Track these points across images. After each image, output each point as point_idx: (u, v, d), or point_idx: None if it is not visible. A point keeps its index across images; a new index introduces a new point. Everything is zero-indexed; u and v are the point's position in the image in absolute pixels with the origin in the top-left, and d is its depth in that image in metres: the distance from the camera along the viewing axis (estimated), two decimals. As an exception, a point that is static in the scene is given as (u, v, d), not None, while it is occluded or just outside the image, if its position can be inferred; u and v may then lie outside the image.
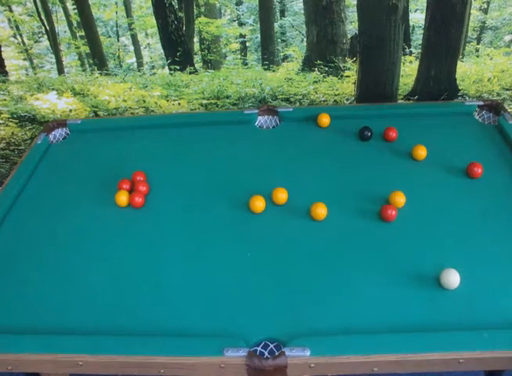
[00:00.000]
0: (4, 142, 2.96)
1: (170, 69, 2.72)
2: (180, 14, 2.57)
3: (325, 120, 2.01)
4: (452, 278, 1.29)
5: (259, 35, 2.65)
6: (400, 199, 1.58)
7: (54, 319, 1.32)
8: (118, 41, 2.70)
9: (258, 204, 1.61)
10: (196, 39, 2.66)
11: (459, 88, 2.64)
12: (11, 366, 1.21)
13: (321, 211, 1.57)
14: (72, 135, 2.15)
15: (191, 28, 2.62)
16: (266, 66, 2.70)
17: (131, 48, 2.73)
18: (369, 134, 1.90)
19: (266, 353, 1.16)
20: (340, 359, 1.13)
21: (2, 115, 2.87)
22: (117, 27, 2.65)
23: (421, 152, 1.78)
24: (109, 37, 2.68)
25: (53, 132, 2.13)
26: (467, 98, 2.66)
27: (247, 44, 2.68)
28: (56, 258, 1.52)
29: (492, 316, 1.22)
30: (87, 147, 2.05)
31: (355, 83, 2.67)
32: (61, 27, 2.65)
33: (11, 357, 1.20)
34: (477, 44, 2.58)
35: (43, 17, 2.62)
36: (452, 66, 2.57)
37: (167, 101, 2.79)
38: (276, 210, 1.63)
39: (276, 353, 1.15)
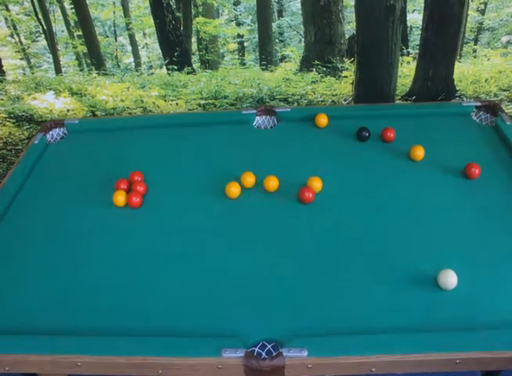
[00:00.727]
0: (1, 141, 2.95)
1: (168, 69, 2.72)
2: (178, 14, 2.57)
3: (323, 120, 2.01)
4: (450, 279, 1.29)
5: (257, 35, 2.65)
6: (317, 184, 1.66)
7: (52, 319, 1.31)
8: (116, 40, 2.70)
9: (234, 190, 1.69)
10: (193, 39, 2.66)
11: (457, 88, 2.65)
12: (9, 367, 1.21)
13: (273, 183, 1.68)
14: (69, 135, 2.14)
15: (189, 28, 2.62)
16: (264, 67, 2.70)
17: (129, 48, 2.73)
18: (367, 134, 1.91)
19: (264, 354, 1.16)
20: (338, 359, 1.13)
21: (0, 115, 2.86)
22: (114, 26, 2.65)
23: (419, 152, 1.79)
24: (107, 37, 2.68)
25: (51, 132, 2.13)
26: (465, 98, 2.67)
27: (245, 44, 2.69)
28: (54, 259, 1.51)
29: (489, 316, 1.23)
30: (84, 147, 2.05)
31: (352, 83, 2.67)
32: (58, 27, 2.65)
33: (9, 358, 1.19)
34: (475, 45, 2.59)
35: (40, 17, 2.61)
36: (450, 67, 2.58)
37: (165, 101, 2.79)
38: (273, 209, 1.64)
39: (274, 354, 1.15)
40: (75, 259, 1.50)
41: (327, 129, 2.03)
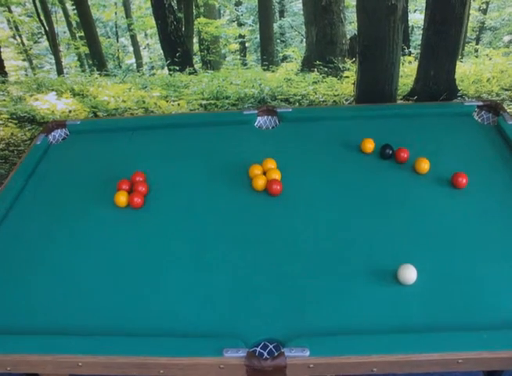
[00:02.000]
0: (3, 142, 2.96)
1: (169, 69, 2.72)
2: (179, 15, 2.57)
3: (369, 146, 1.85)
4: (409, 274, 1.30)
5: (258, 36, 2.65)
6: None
7: (53, 319, 1.32)
8: (118, 41, 2.70)
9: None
10: (195, 40, 2.66)
11: (459, 88, 2.64)
12: (10, 367, 1.21)
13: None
14: (71, 135, 2.15)
15: (190, 29, 2.62)
16: (265, 67, 2.70)
17: (131, 48, 2.73)
18: (390, 152, 1.82)
19: (265, 354, 1.16)
20: (340, 359, 1.13)
21: (2, 116, 2.87)
22: (116, 27, 2.65)
23: (424, 165, 1.72)
24: (109, 37, 2.68)
25: (53, 133, 2.13)
26: (466, 98, 2.66)
27: (247, 44, 2.69)
28: (56, 259, 1.52)
29: (490, 316, 1.23)
30: (86, 148, 2.05)
31: (354, 83, 2.67)
32: (60, 28, 2.65)
33: (10, 358, 1.20)
34: (477, 44, 2.59)
35: (42, 18, 2.62)
36: (452, 67, 2.57)
37: (167, 102, 2.79)
38: (275, 210, 1.64)
39: (276, 354, 1.15)
40: (77, 260, 1.51)
41: (327, 129, 2.02)
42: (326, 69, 2.66)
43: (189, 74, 2.71)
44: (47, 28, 2.65)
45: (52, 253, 1.54)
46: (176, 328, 1.26)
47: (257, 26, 2.62)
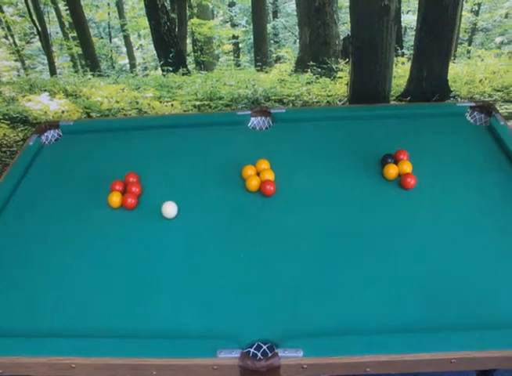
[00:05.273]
0: (-5, 143, 2.95)
1: (163, 70, 2.72)
2: (173, 15, 2.57)
3: (392, 171, 1.73)
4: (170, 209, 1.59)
5: (252, 36, 2.66)
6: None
7: (47, 321, 1.31)
8: (111, 42, 2.70)
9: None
10: (188, 40, 2.66)
11: (451, 89, 2.66)
12: (2, 369, 1.20)
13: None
14: (64, 136, 2.14)
15: (184, 29, 2.62)
16: (259, 68, 2.70)
17: (124, 49, 2.72)
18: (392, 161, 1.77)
19: (259, 354, 1.16)
20: (333, 359, 1.13)
21: (-6, 116, 2.86)
22: (109, 28, 2.65)
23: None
24: (102, 38, 2.67)
25: (45, 134, 2.12)
26: (459, 99, 2.68)
27: (240, 45, 2.69)
28: (49, 260, 1.51)
29: (483, 316, 1.23)
30: (79, 149, 2.04)
31: (347, 84, 2.68)
32: (53, 28, 2.64)
33: (2, 360, 1.19)
34: (469, 45, 2.61)
35: (35, 18, 2.61)
36: (444, 68, 2.59)
37: (160, 102, 2.78)
38: (268, 210, 1.64)
39: (269, 354, 1.15)
40: (70, 261, 1.50)
41: (321, 130, 2.03)
42: (319, 69, 2.67)
43: (183, 74, 2.71)
44: (39, 28, 2.64)
45: (45, 254, 1.53)
46: (169, 329, 1.26)
47: (251, 27, 2.63)
